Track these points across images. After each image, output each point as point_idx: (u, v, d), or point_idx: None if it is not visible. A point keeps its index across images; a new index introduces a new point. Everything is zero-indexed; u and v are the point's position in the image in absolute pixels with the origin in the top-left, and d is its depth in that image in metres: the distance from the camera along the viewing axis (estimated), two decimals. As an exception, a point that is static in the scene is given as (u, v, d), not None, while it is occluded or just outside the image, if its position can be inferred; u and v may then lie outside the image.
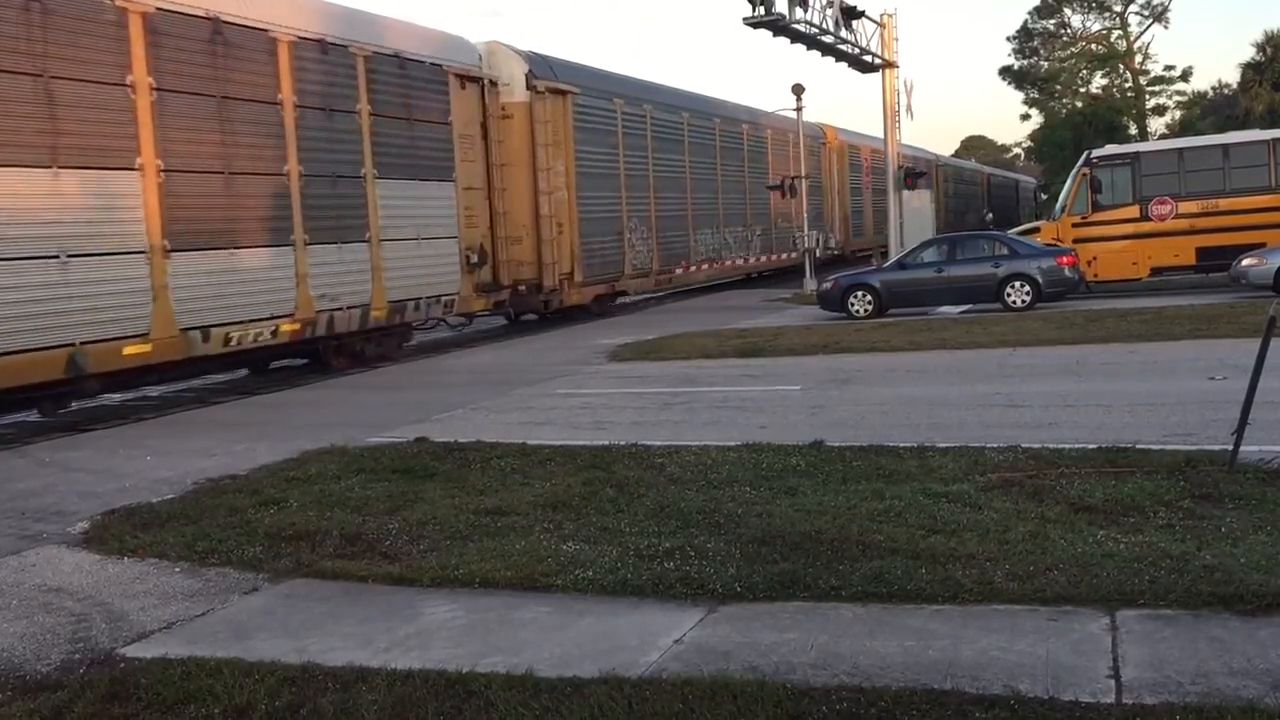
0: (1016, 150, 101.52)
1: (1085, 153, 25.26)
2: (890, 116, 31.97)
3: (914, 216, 33.01)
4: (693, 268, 31.06)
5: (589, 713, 4.37)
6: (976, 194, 65.51)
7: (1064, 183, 28.25)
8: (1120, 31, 60.39)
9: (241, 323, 15.52)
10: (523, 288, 23.01)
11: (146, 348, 14.03)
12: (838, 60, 31.05)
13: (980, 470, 7.85)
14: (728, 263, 33.65)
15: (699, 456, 8.88)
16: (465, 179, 20.90)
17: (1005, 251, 21.53)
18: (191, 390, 16.93)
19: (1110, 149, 25.86)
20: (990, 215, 55.19)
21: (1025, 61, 63.05)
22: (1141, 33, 60.32)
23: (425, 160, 19.69)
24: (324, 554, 6.89)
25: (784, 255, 37.35)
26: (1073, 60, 61.50)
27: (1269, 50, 49.81)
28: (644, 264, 27.71)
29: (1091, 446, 8.34)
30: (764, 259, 36.54)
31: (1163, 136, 54.85)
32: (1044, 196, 61.48)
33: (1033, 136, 69.88)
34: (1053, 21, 61.27)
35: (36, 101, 12.66)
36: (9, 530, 8.09)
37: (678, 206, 30.01)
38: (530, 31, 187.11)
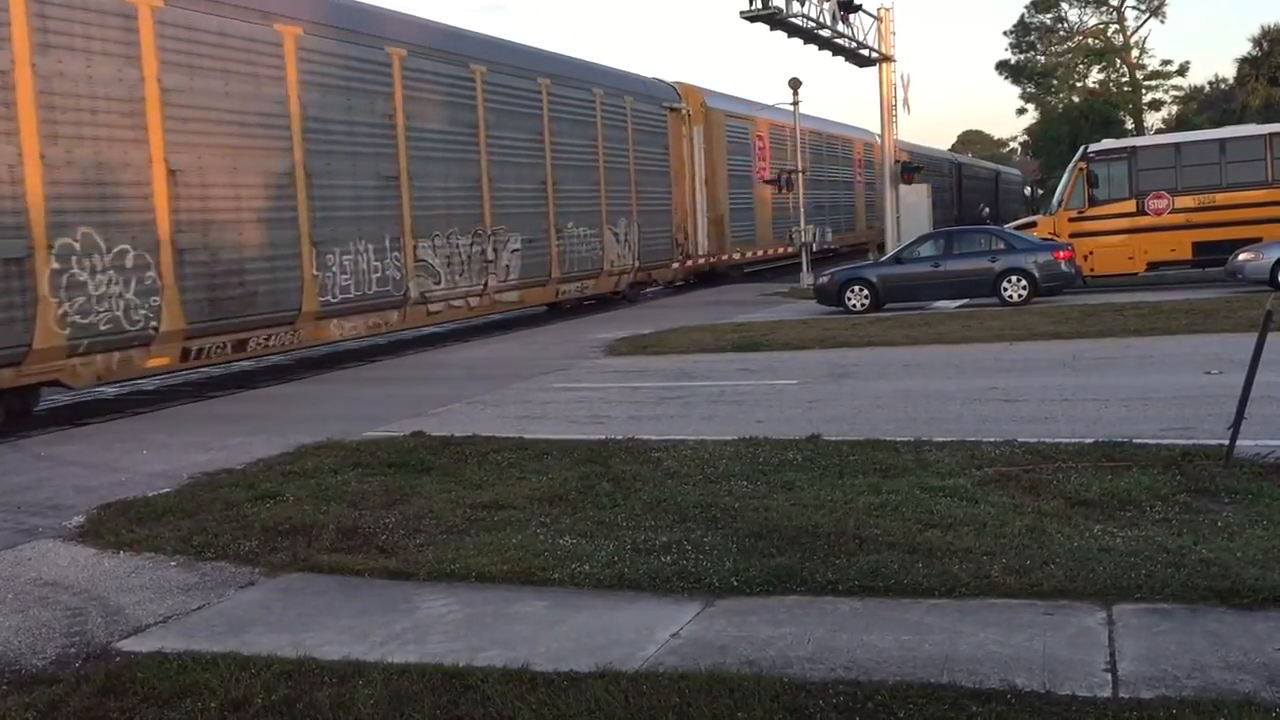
0: (1013, 145, 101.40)
1: (1082, 147, 25.27)
2: (887, 110, 31.97)
3: (910, 211, 32.93)
4: (320, 322, 16.72)
5: (586, 706, 4.37)
6: (944, 186, 57.66)
7: (1060, 178, 28.25)
8: (1117, 26, 60.39)
9: None
10: None
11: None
12: (835, 54, 31.06)
13: (977, 465, 7.85)
14: (422, 306, 19.18)
15: (696, 451, 8.88)
16: None
17: (1002, 246, 21.53)
18: (188, 384, 16.90)
19: (1107, 143, 25.86)
20: (987, 210, 54.87)
21: (1022, 56, 63.01)
22: (1138, 27, 60.34)
23: None
24: (320, 548, 6.88)
25: (584, 282, 24.87)
26: (1069, 55, 61.46)
27: (1265, 45, 49.78)
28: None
29: (1088, 441, 8.34)
30: (523, 290, 22.56)
31: (1159, 131, 54.85)
32: (1039, 191, 60.74)
33: (1029, 131, 69.81)
34: (1049, 16, 61.22)
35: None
36: (4, 524, 8.07)
37: (268, 205, 15.70)
38: (531, 26, 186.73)
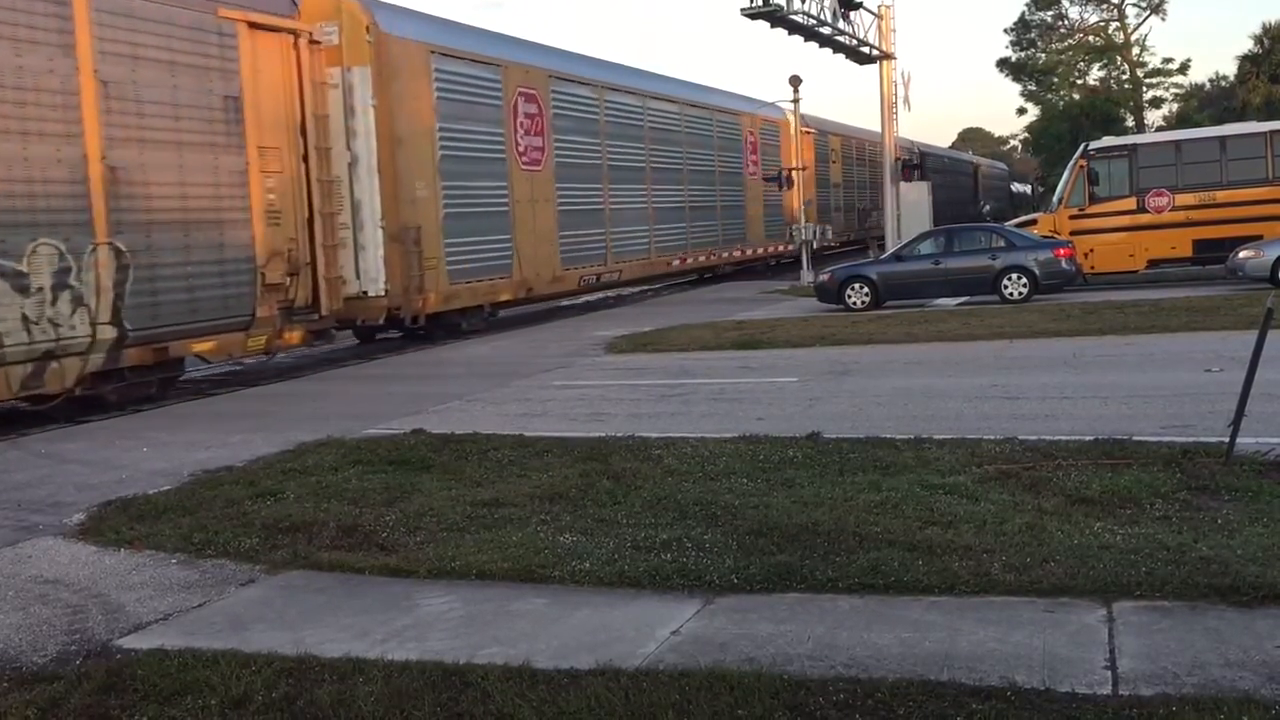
0: (1014, 143, 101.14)
1: (1082, 145, 25.27)
2: (887, 108, 31.95)
3: (911, 209, 32.85)
4: None
5: (586, 704, 4.37)
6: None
7: (1061, 175, 28.25)
8: (1118, 23, 60.34)
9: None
10: None
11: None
12: (835, 52, 31.08)
13: (977, 462, 7.85)
14: None
15: (696, 448, 8.87)
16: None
17: (1002, 244, 21.54)
18: (188, 382, 16.90)
19: (1107, 141, 25.89)
20: (988, 208, 54.43)
21: (1023, 53, 62.96)
22: (1139, 25, 60.30)
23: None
24: (321, 546, 6.88)
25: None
26: (1070, 52, 61.43)
27: (1266, 42, 49.75)
28: None
29: (1088, 438, 8.34)
30: None
31: (1160, 129, 54.83)
32: (1040, 189, 59.65)
33: (1030, 129, 69.63)
34: (1050, 13, 61.18)
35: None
36: (5, 522, 8.08)
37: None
38: (529, 23, 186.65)
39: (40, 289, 12.56)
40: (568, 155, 24.08)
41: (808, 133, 38.27)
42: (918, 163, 49.15)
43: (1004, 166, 78.63)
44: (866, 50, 31.41)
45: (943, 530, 6.30)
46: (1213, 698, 4.10)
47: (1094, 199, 23.71)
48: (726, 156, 32.90)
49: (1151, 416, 9.35)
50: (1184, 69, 60.57)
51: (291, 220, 16.28)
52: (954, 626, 4.99)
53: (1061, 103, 61.43)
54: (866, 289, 21.72)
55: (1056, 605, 5.16)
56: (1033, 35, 62.27)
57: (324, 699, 4.58)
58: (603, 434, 9.82)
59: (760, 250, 35.41)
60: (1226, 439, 7.50)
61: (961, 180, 58.62)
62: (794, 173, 31.88)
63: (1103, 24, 60.84)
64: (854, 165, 44.24)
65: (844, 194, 43.39)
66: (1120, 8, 59.54)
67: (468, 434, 10.10)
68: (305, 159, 16.58)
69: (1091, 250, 23.29)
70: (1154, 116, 61.04)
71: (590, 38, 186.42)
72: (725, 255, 32.98)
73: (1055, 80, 62.03)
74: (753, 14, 26.35)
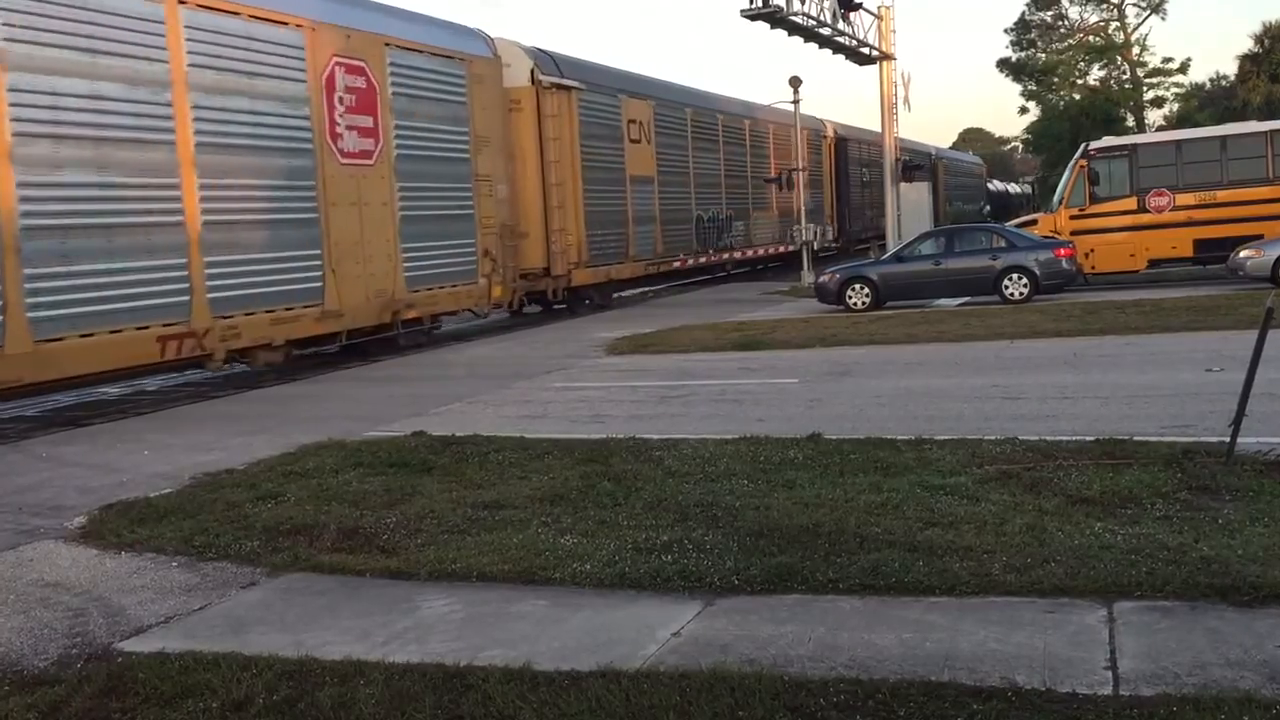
0: (1015, 143, 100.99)
1: (1083, 144, 25.26)
2: (888, 109, 31.94)
3: (912, 209, 32.75)
4: None
5: (587, 705, 4.37)
6: (813, 177, 38.41)
7: (1061, 175, 28.25)
8: (1118, 23, 60.31)
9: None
10: None
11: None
12: (835, 52, 31.09)
13: (978, 462, 7.85)
14: None
15: (697, 449, 8.87)
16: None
17: (1003, 244, 21.54)
18: (190, 384, 16.92)
19: (1108, 141, 25.90)
20: (988, 208, 54.33)
21: (1023, 53, 62.91)
22: (1139, 24, 60.21)
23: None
24: (321, 548, 6.88)
25: None
26: (1070, 52, 61.40)
27: (1266, 42, 49.70)
28: None
29: (1089, 438, 8.34)
30: None
31: (1160, 128, 54.80)
32: (1033, 190, 58.80)
33: (1030, 129, 69.50)
34: (1050, 13, 61.16)
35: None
36: (6, 525, 8.08)
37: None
38: (530, 22, 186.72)
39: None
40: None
41: (562, 88, 23.15)
42: (835, 151, 40.05)
43: (978, 160, 72.17)
44: (866, 51, 31.42)
45: (943, 531, 6.30)
46: (1213, 697, 4.10)
47: (1094, 199, 23.71)
48: (235, 115, 15.06)
49: (1152, 416, 9.35)
50: (1184, 69, 60.44)
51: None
52: (955, 627, 4.99)
53: (1062, 102, 61.40)
54: (867, 289, 21.72)
55: (1057, 606, 5.16)
56: (1033, 35, 62.22)
57: (325, 701, 4.58)
58: (603, 435, 9.82)
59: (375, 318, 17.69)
60: (1227, 439, 7.49)
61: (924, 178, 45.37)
62: (794, 173, 31.74)
63: (1103, 24, 60.79)
64: (702, 151, 31.58)
65: (673, 196, 29.28)
66: (1120, 7, 59.49)
67: (468, 436, 10.10)
68: None
69: (1092, 250, 23.29)
70: (1154, 116, 60.93)
71: (589, 38, 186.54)
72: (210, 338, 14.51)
73: (1055, 80, 61.98)
74: (752, 15, 26.36)
